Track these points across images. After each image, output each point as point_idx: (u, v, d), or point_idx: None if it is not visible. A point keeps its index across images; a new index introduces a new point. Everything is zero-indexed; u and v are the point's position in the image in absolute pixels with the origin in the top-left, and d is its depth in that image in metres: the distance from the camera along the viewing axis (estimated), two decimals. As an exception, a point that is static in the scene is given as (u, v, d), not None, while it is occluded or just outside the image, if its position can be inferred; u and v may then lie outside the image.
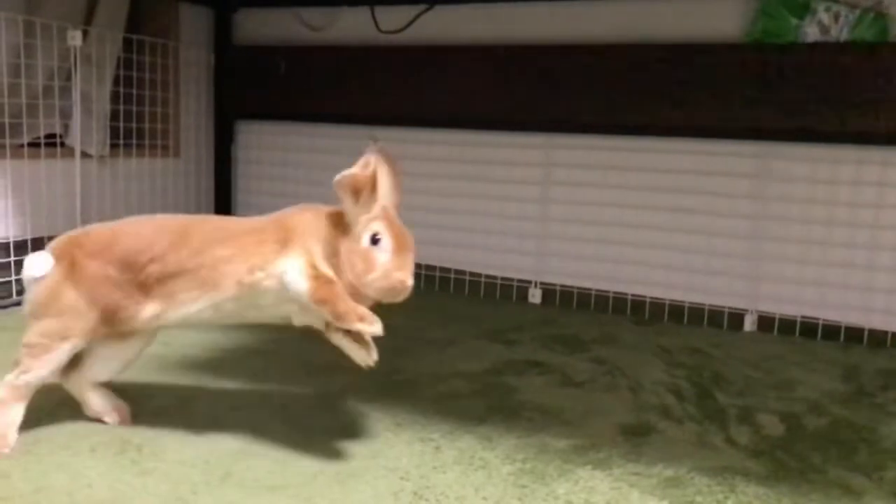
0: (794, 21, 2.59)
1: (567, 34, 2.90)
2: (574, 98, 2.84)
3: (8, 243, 2.63)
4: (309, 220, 1.57)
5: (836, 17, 2.53)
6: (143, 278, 1.51)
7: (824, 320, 2.64)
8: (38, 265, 1.52)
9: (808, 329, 2.66)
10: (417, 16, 3.10)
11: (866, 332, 2.59)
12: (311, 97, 3.29)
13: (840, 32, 2.53)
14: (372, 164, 1.53)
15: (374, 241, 1.50)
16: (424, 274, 3.21)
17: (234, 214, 3.57)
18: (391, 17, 3.15)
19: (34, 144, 2.74)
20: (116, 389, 1.87)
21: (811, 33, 2.57)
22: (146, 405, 1.79)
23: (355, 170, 1.53)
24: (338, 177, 1.51)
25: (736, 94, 2.62)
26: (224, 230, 1.58)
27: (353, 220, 1.52)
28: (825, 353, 2.47)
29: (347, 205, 1.52)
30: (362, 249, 1.49)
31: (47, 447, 1.55)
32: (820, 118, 2.53)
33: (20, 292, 2.65)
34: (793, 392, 2.08)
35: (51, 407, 1.75)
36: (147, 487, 1.41)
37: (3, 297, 2.61)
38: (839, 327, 2.62)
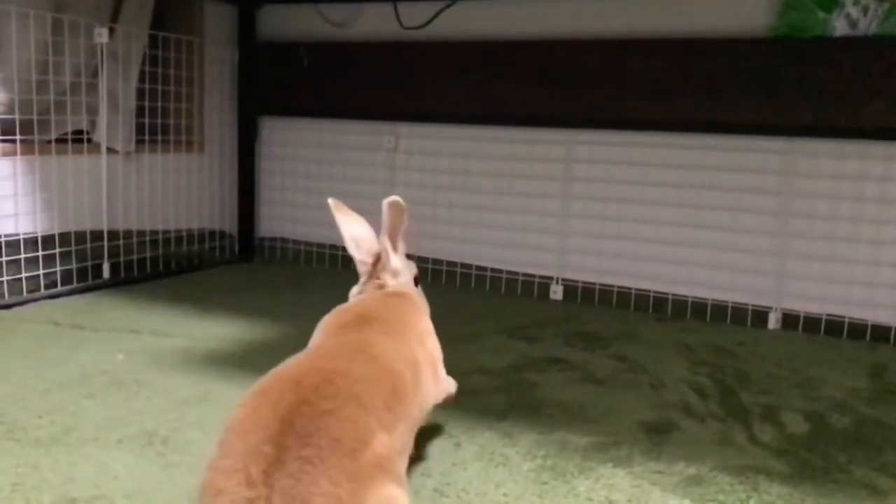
0: (821, 15, 2.55)
1: (589, 30, 2.88)
2: (596, 94, 2.83)
3: (36, 238, 2.68)
4: None
5: (865, 11, 2.49)
6: None
7: (850, 318, 2.61)
8: None
9: (834, 327, 2.63)
10: (440, 11, 3.10)
11: (893, 331, 2.55)
12: (334, 93, 3.31)
13: (869, 26, 2.49)
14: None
15: None
16: (445, 270, 3.22)
17: (256, 209, 3.61)
18: (414, 13, 3.15)
19: (61, 140, 2.78)
20: (141, 382, 1.90)
21: (839, 27, 2.53)
22: (172, 398, 1.81)
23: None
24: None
25: (761, 89, 2.59)
26: None
27: None
28: (851, 352, 2.44)
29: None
30: None
31: (75, 439, 1.58)
32: (847, 113, 2.49)
33: (48, 286, 2.70)
34: (817, 391, 2.06)
35: (78, 399, 1.78)
36: (173, 480, 1.43)
37: (32, 291, 2.65)
38: (865, 325, 2.59)
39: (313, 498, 1.00)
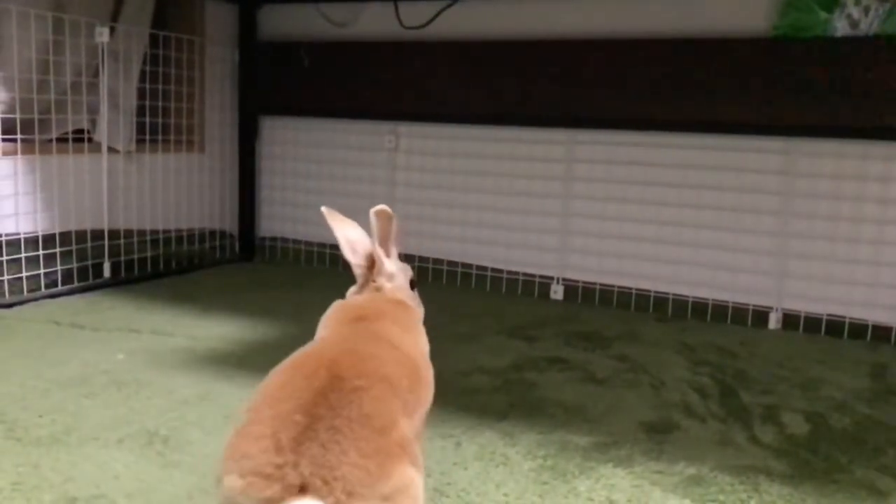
0: (822, 15, 2.55)
1: (590, 29, 2.88)
2: (597, 93, 2.83)
3: (36, 237, 2.68)
4: None
5: (866, 11, 2.49)
6: None
7: (851, 318, 2.61)
8: None
9: (835, 327, 2.63)
10: (440, 11, 3.10)
11: (894, 331, 2.55)
12: (334, 93, 3.31)
13: (870, 26, 2.49)
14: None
15: None
16: (446, 270, 3.22)
17: (257, 209, 3.61)
18: (414, 13, 3.15)
19: (62, 140, 2.78)
20: (141, 382, 1.90)
21: (840, 27, 2.53)
22: (172, 398, 1.81)
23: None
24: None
25: (762, 89, 2.59)
26: None
27: None
28: (851, 352, 2.44)
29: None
30: None
31: (76, 438, 1.58)
32: (848, 113, 2.49)
33: (49, 285, 2.70)
34: (818, 391, 2.05)
35: (79, 399, 1.78)
36: (173, 479, 1.43)
37: (32, 290, 2.65)
38: (866, 326, 2.58)
39: (342, 466, 1.02)
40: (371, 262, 1.55)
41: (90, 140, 2.86)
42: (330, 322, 1.45)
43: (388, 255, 1.55)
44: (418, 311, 1.59)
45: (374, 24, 3.27)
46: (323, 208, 1.60)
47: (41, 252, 2.68)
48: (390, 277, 1.55)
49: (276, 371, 1.20)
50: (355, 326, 1.41)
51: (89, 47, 2.80)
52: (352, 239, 1.57)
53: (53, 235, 2.74)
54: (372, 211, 1.49)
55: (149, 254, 3.10)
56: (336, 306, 1.49)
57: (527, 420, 1.77)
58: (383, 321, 1.42)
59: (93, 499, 1.34)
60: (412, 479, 1.11)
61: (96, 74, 2.86)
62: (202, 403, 1.79)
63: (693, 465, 1.56)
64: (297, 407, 1.08)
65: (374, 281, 1.56)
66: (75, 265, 2.80)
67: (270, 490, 1.02)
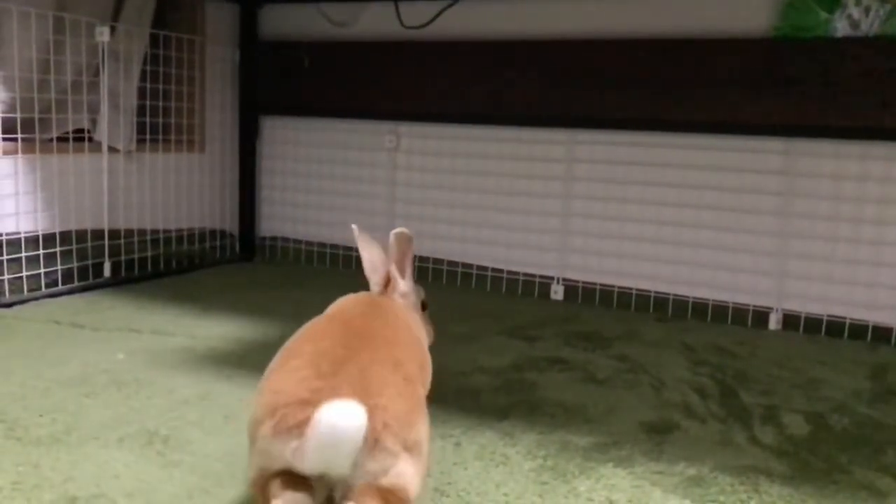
0: (823, 15, 2.55)
1: (591, 29, 2.88)
2: (597, 93, 2.83)
3: (37, 237, 2.68)
4: None
5: (867, 12, 2.49)
6: None
7: (851, 319, 2.61)
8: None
9: (835, 328, 2.63)
10: (441, 11, 3.10)
11: (894, 332, 2.55)
12: (335, 92, 3.31)
13: (870, 27, 2.49)
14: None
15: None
16: (446, 270, 3.22)
17: (257, 208, 3.61)
18: (415, 13, 3.15)
19: (63, 139, 2.78)
20: (141, 381, 1.90)
21: (841, 28, 2.53)
22: (173, 397, 1.81)
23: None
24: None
25: (763, 89, 2.59)
26: None
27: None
28: (852, 353, 2.44)
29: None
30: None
31: (76, 438, 1.58)
32: (848, 114, 2.49)
33: (49, 285, 2.70)
34: (818, 391, 2.05)
35: (79, 398, 1.79)
36: (173, 479, 1.43)
37: (32, 290, 2.65)
38: (866, 326, 2.58)
39: (382, 397, 1.09)
40: (386, 282, 1.66)
41: (90, 139, 2.86)
42: (346, 303, 1.55)
43: (402, 275, 1.66)
44: (426, 329, 1.70)
45: (374, 24, 3.27)
46: (354, 227, 1.75)
47: (41, 251, 2.68)
48: (404, 295, 1.66)
49: (309, 324, 1.33)
50: (372, 305, 1.53)
51: (90, 47, 2.80)
52: (373, 259, 1.70)
53: (54, 235, 2.74)
54: (392, 232, 1.61)
55: (149, 253, 3.10)
56: (349, 296, 1.60)
57: (527, 420, 1.77)
58: (397, 310, 1.56)
59: (93, 498, 1.34)
60: (425, 438, 1.17)
61: (97, 74, 2.87)
62: (202, 403, 1.79)
63: (693, 466, 1.56)
64: (336, 343, 1.19)
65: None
66: (75, 264, 2.80)
67: (304, 413, 1.03)
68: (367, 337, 1.24)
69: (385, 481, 1.07)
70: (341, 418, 1.02)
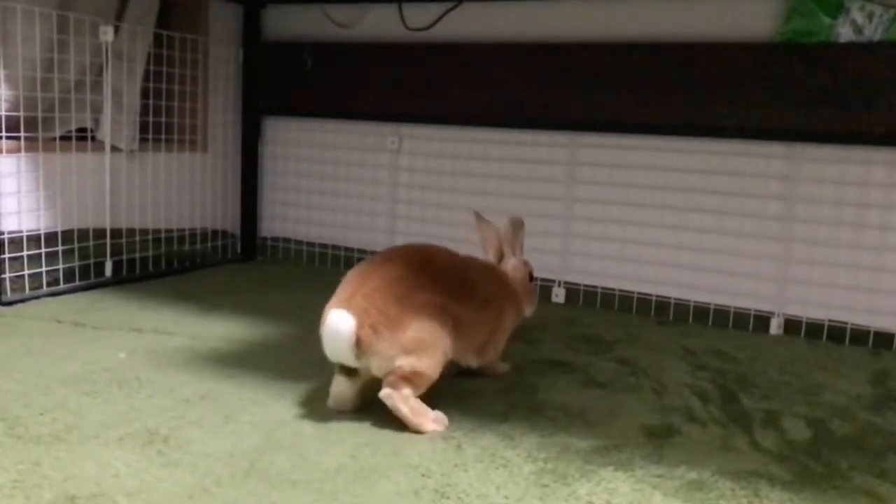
0: (827, 20, 2.55)
1: (593, 32, 2.88)
2: (600, 96, 2.83)
3: (39, 235, 2.68)
4: None
5: (870, 17, 2.49)
6: None
7: (852, 324, 2.60)
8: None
9: (836, 333, 2.62)
10: (444, 13, 3.10)
11: (896, 338, 2.55)
12: (338, 94, 3.31)
13: (874, 32, 2.49)
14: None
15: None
16: (448, 271, 3.21)
17: (259, 209, 3.61)
18: (418, 15, 3.15)
19: (66, 138, 2.78)
20: (142, 380, 1.90)
21: (844, 33, 2.53)
22: (173, 397, 1.81)
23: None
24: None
25: (766, 94, 2.59)
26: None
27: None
28: (853, 358, 2.44)
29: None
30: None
31: (77, 436, 1.58)
32: (851, 119, 2.49)
33: (51, 283, 2.71)
34: (819, 396, 2.05)
35: (80, 397, 1.79)
36: (173, 478, 1.43)
37: (34, 288, 2.65)
38: (868, 332, 2.58)
39: (372, 309, 1.63)
40: (500, 257, 2.08)
41: (93, 139, 2.87)
42: (468, 257, 2.03)
43: (513, 253, 2.08)
44: (530, 297, 2.11)
45: (378, 25, 3.28)
46: (473, 209, 2.16)
47: (43, 250, 2.68)
48: (514, 269, 2.07)
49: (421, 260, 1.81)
50: (478, 263, 2.03)
51: (93, 46, 2.81)
52: (487, 238, 2.11)
53: (56, 233, 2.74)
54: (508, 217, 2.07)
55: (151, 253, 3.10)
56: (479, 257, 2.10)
57: (528, 423, 1.77)
58: (499, 272, 2.04)
59: (93, 497, 1.34)
60: (427, 334, 1.63)
61: (100, 73, 2.87)
62: (203, 402, 1.79)
63: (694, 470, 1.56)
64: (407, 271, 1.73)
65: None
66: (77, 263, 2.80)
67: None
68: (435, 271, 1.73)
69: (399, 370, 1.60)
70: (332, 322, 1.60)
